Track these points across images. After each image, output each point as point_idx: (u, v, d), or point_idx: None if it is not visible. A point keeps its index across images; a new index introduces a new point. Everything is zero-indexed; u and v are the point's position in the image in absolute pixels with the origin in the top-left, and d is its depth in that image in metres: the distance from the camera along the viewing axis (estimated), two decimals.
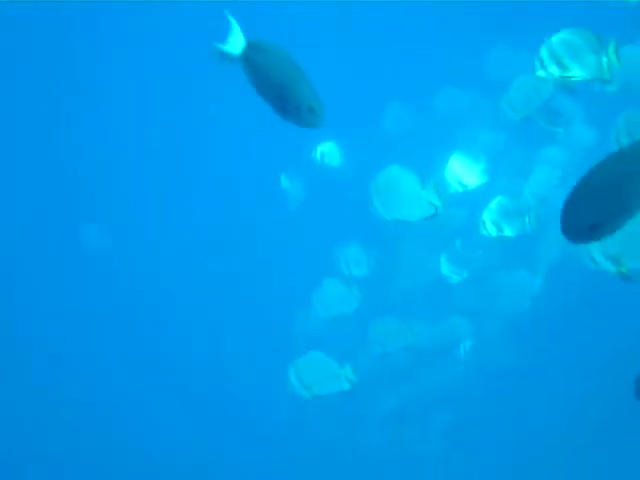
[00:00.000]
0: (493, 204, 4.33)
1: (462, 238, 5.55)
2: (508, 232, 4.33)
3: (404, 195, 3.51)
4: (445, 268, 5.78)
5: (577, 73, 3.58)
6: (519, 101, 4.75)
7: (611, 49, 3.51)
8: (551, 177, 5.70)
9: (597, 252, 3.13)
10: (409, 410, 8.28)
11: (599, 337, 7.75)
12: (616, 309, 7.00)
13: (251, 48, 2.36)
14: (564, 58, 3.58)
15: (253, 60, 2.34)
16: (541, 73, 3.64)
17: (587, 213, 2.04)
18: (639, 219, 3.10)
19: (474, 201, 4.76)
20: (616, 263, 3.10)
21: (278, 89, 2.31)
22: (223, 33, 2.33)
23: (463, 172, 4.87)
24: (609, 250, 3.09)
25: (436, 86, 7.34)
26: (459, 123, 6.87)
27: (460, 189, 4.87)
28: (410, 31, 10.20)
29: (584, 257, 3.15)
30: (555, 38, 3.61)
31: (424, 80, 7.62)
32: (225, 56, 2.33)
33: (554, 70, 3.61)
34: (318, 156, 6.67)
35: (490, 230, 4.34)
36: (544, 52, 3.63)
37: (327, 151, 6.66)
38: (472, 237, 4.64)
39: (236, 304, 8.84)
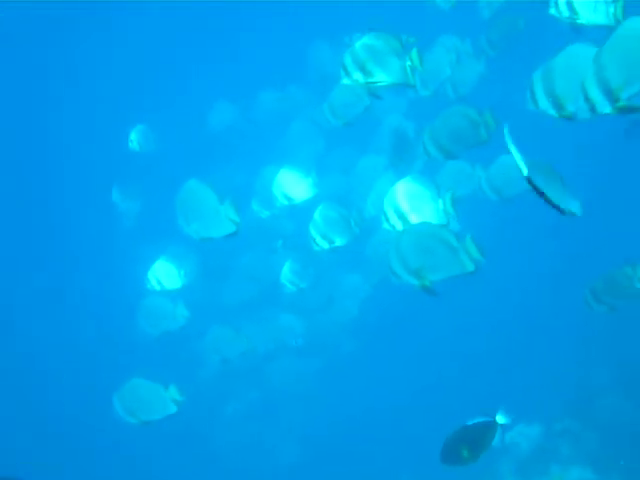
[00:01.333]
0: (317, 216, 4.19)
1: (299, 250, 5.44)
2: (339, 242, 4.21)
3: (204, 212, 3.43)
4: (284, 277, 5.69)
5: (382, 78, 3.47)
6: (340, 107, 4.67)
7: (414, 53, 3.42)
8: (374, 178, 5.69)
9: (398, 266, 3.07)
10: (258, 411, 8.21)
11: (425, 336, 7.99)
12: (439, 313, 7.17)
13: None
14: (368, 64, 3.46)
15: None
16: (346, 81, 3.51)
17: None
18: (436, 234, 3.11)
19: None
20: (418, 277, 3.05)
21: None
22: None
23: (291, 186, 4.76)
24: (410, 264, 3.04)
25: (260, 87, 7.33)
26: (283, 127, 6.86)
27: (286, 202, 4.76)
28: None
29: (388, 272, 3.09)
30: (358, 44, 3.48)
31: (251, 81, 7.61)
32: None
33: (359, 77, 3.49)
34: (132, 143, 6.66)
35: (322, 244, 4.21)
36: (348, 59, 3.50)
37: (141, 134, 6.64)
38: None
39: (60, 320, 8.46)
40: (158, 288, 4.89)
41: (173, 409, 3.73)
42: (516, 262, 8.56)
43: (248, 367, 7.06)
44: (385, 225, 3.39)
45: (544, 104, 2.92)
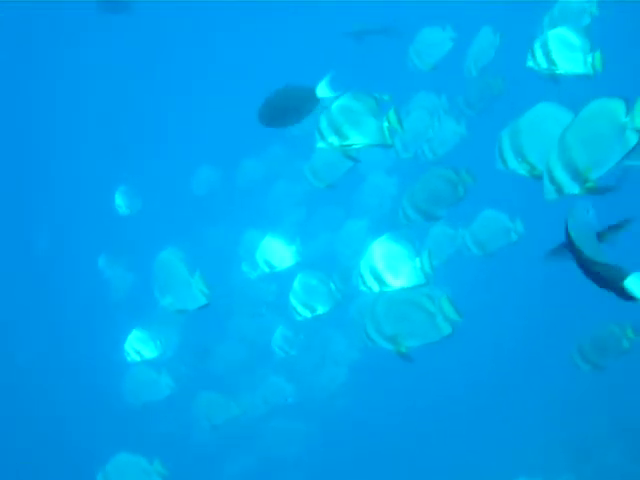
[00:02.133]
0: (297, 285, 4.14)
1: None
2: (321, 310, 4.15)
3: (175, 284, 3.44)
4: (275, 342, 5.68)
5: (357, 140, 3.43)
6: (322, 169, 4.65)
7: (392, 113, 3.39)
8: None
9: (374, 332, 3.05)
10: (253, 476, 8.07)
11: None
12: None
13: None
14: (343, 126, 3.42)
15: None
16: (321, 144, 3.46)
17: None
18: (412, 299, 3.07)
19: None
20: (394, 343, 3.03)
21: None
22: None
23: (274, 253, 4.70)
24: (386, 330, 3.04)
25: (243, 151, 7.38)
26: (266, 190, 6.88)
27: (267, 270, 4.72)
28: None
29: (362, 337, 3.06)
30: (334, 105, 3.45)
31: (234, 144, 7.67)
32: None
33: (334, 140, 3.44)
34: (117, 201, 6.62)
35: (304, 314, 4.15)
36: (323, 122, 3.45)
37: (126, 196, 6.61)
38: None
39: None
40: (138, 359, 4.83)
41: None
42: (509, 316, 8.55)
43: (240, 432, 6.96)
44: (361, 287, 3.34)
45: (513, 164, 2.89)
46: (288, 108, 3.82)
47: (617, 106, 2.42)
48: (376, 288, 3.25)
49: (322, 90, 3.71)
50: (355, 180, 6.37)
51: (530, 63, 3.54)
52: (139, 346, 4.88)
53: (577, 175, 2.47)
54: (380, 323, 3.05)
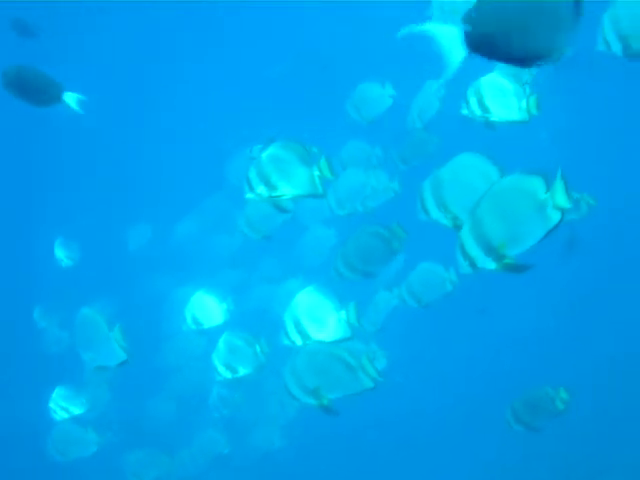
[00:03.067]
0: (221, 344, 4.06)
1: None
2: (242, 371, 4.06)
3: (96, 339, 3.39)
4: (212, 402, 5.64)
5: (287, 191, 3.38)
6: (257, 220, 4.61)
7: (323, 162, 3.35)
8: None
9: (295, 387, 3.00)
10: None
11: None
12: None
13: None
14: (272, 176, 3.36)
15: None
16: (250, 195, 3.40)
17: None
18: (333, 352, 3.00)
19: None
20: (316, 397, 2.99)
21: None
22: None
23: (203, 310, 4.65)
24: (307, 384, 2.99)
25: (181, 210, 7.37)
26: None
27: (193, 327, 4.64)
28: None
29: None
30: (264, 154, 3.40)
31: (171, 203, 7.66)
32: None
33: (262, 190, 3.39)
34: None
35: (224, 374, 4.06)
36: (252, 172, 3.40)
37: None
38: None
39: None
40: (66, 415, 4.70)
41: None
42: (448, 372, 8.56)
43: None
44: (285, 341, 3.29)
45: (435, 214, 2.87)
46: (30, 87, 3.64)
47: (535, 183, 2.33)
48: (299, 342, 3.20)
49: (69, 98, 3.62)
50: (295, 231, 6.38)
51: (464, 111, 3.53)
52: (65, 403, 4.78)
53: (491, 250, 2.38)
54: (301, 377, 2.99)
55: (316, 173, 3.31)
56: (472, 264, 2.42)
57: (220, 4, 10.66)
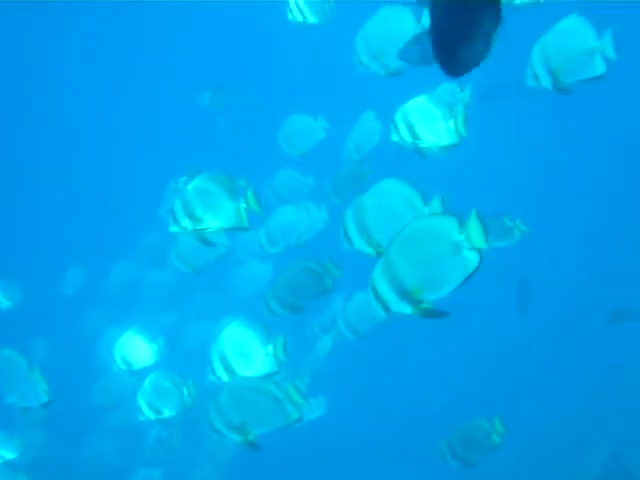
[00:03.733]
0: (147, 384, 3.96)
1: None
2: (167, 413, 3.94)
3: (17, 381, 3.35)
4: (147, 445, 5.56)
5: (212, 224, 3.30)
6: (188, 254, 4.51)
7: (250, 194, 3.28)
8: None
9: (220, 423, 2.95)
10: None
11: None
12: None
13: None
14: (197, 209, 3.28)
15: None
16: (174, 229, 3.32)
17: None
18: (258, 387, 2.93)
19: None
20: (241, 432, 2.95)
21: None
22: None
23: (133, 351, 4.56)
24: (232, 420, 2.94)
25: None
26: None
27: (124, 367, 4.51)
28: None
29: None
30: (190, 187, 3.32)
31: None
32: None
33: (187, 224, 3.30)
34: None
35: (147, 414, 3.94)
36: (177, 205, 3.32)
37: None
38: None
39: None
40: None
41: None
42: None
43: None
44: (210, 377, 3.21)
45: (359, 243, 2.81)
46: None
47: (448, 223, 2.21)
48: (226, 378, 3.13)
49: None
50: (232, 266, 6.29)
51: (394, 137, 3.46)
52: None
53: (405, 294, 2.25)
54: (226, 413, 2.93)
55: (242, 205, 3.25)
56: (385, 307, 2.28)
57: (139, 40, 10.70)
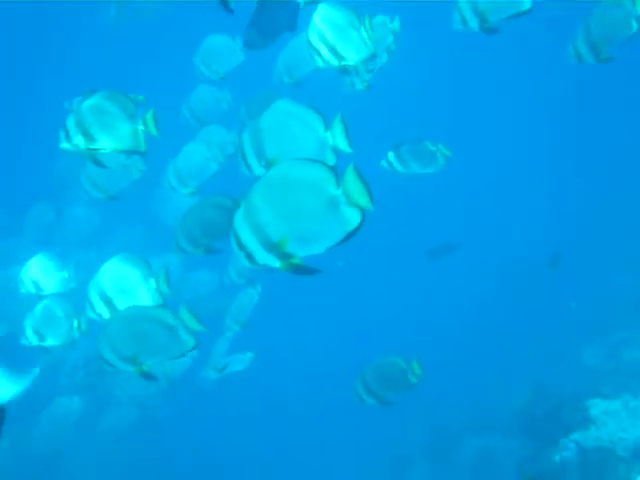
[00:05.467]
0: (38, 309, 3.82)
1: None
2: (50, 342, 3.78)
3: None
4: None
5: (106, 145, 3.09)
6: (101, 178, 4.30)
7: (149, 115, 3.08)
8: None
9: (111, 355, 2.81)
10: None
11: None
12: None
13: None
14: (92, 128, 3.07)
15: None
16: (65, 145, 3.10)
17: None
18: (149, 315, 2.79)
19: None
20: (134, 363, 2.82)
21: None
22: None
23: (42, 275, 4.32)
24: (123, 352, 2.80)
25: None
26: None
27: (33, 291, 4.30)
28: None
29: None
30: (84, 104, 3.10)
31: None
32: None
33: (80, 141, 3.09)
34: None
35: (31, 339, 3.77)
36: (70, 121, 3.10)
37: None
38: None
39: None
40: None
41: None
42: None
43: None
44: (90, 314, 3.05)
45: (258, 169, 2.62)
46: None
47: (322, 175, 1.98)
48: (106, 314, 2.98)
49: None
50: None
51: (319, 63, 3.28)
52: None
53: (271, 246, 2.04)
54: (116, 344, 2.77)
55: (140, 128, 3.06)
56: (249, 257, 2.07)
57: None
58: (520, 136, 11.92)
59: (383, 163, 4.37)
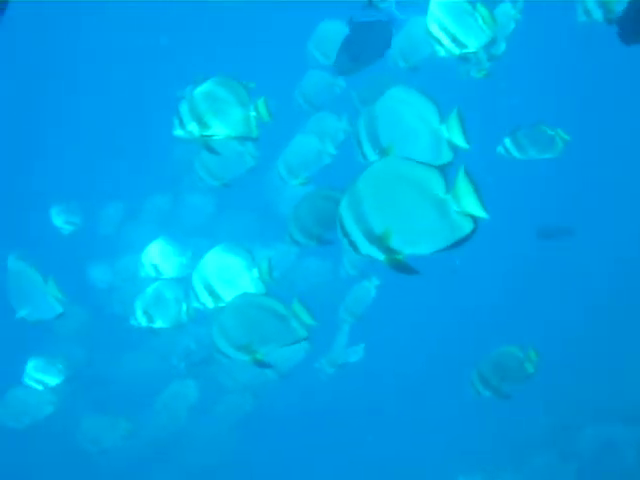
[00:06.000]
0: (149, 291, 3.89)
1: None
2: (159, 324, 3.82)
3: (30, 293, 3.27)
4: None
5: (219, 131, 3.09)
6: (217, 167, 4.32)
7: (261, 102, 3.06)
8: None
9: (224, 344, 2.79)
10: None
11: None
12: None
13: None
14: (205, 114, 3.07)
15: None
16: (179, 132, 3.11)
17: None
18: (261, 303, 2.76)
19: None
20: (248, 352, 2.80)
21: None
22: None
23: (162, 259, 4.46)
24: (237, 340, 2.77)
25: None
26: None
27: (153, 274, 4.40)
28: None
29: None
30: (197, 91, 3.10)
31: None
32: None
33: (194, 128, 3.10)
34: None
35: (140, 321, 3.82)
36: (184, 108, 3.11)
37: None
38: None
39: None
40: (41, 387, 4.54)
41: None
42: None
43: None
44: (194, 304, 3.06)
45: (373, 157, 2.54)
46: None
47: (430, 177, 1.88)
48: (211, 304, 2.98)
49: None
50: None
51: (441, 53, 3.22)
52: (40, 375, 4.57)
53: (374, 238, 1.96)
54: (229, 333, 2.77)
55: (252, 114, 3.03)
56: (353, 246, 1.99)
57: None
58: None
59: (500, 149, 4.27)
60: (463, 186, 1.85)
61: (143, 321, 3.85)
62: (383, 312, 6.18)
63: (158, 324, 3.84)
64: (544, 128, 4.08)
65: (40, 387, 4.56)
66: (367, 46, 3.64)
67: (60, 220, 6.27)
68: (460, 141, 2.37)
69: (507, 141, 4.21)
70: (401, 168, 1.91)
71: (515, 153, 4.21)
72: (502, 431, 7.54)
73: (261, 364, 2.82)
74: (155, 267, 4.44)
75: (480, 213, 1.85)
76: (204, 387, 5.93)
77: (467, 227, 1.87)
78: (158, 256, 4.45)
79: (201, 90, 3.08)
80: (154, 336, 4.01)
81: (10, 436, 5.08)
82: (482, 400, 3.89)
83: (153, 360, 6.38)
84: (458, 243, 1.90)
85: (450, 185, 1.87)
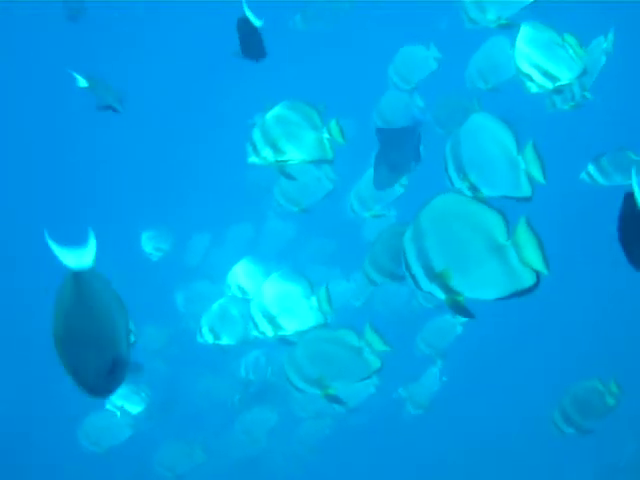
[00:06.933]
0: (215, 307, 3.90)
1: None
2: (225, 341, 3.80)
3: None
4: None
5: (294, 156, 3.04)
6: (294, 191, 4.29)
7: (333, 123, 3.01)
8: None
9: (297, 379, 2.75)
10: None
11: None
12: None
13: None
14: (279, 139, 3.03)
15: None
16: (254, 159, 3.08)
17: None
18: (334, 336, 2.67)
19: None
20: (320, 387, 2.74)
21: None
22: None
23: (247, 279, 4.36)
24: (309, 375, 2.73)
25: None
26: None
27: (239, 295, 4.36)
28: None
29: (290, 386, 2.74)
30: (269, 115, 3.07)
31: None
32: None
33: (268, 154, 3.06)
34: None
35: (206, 337, 3.80)
36: (257, 134, 3.08)
37: None
38: None
39: None
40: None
41: None
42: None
43: None
44: (253, 332, 3.01)
45: (457, 182, 2.52)
46: None
47: (492, 220, 1.83)
48: (270, 333, 2.92)
49: None
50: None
51: (533, 89, 3.11)
52: (122, 402, 4.58)
53: (434, 276, 1.90)
54: (302, 367, 2.72)
55: (325, 136, 2.97)
56: (414, 280, 1.93)
57: None
58: None
59: (583, 176, 4.13)
60: (524, 235, 1.79)
61: (209, 338, 3.83)
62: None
63: (224, 341, 3.81)
64: (628, 153, 3.92)
65: (119, 414, 4.57)
66: (401, 154, 3.55)
67: (149, 246, 6.30)
68: (538, 175, 2.35)
69: (591, 167, 4.07)
70: (463, 205, 1.87)
71: (599, 179, 4.07)
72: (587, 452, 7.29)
73: (333, 399, 2.76)
74: (241, 288, 4.40)
75: (541, 268, 1.78)
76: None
77: (529, 280, 1.81)
78: (244, 276, 4.41)
79: (272, 115, 3.05)
80: (223, 354, 3.96)
81: (88, 460, 5.10)
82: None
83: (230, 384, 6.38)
84: (519, 294, 1.83)
85: (511, 231, 1.82)
